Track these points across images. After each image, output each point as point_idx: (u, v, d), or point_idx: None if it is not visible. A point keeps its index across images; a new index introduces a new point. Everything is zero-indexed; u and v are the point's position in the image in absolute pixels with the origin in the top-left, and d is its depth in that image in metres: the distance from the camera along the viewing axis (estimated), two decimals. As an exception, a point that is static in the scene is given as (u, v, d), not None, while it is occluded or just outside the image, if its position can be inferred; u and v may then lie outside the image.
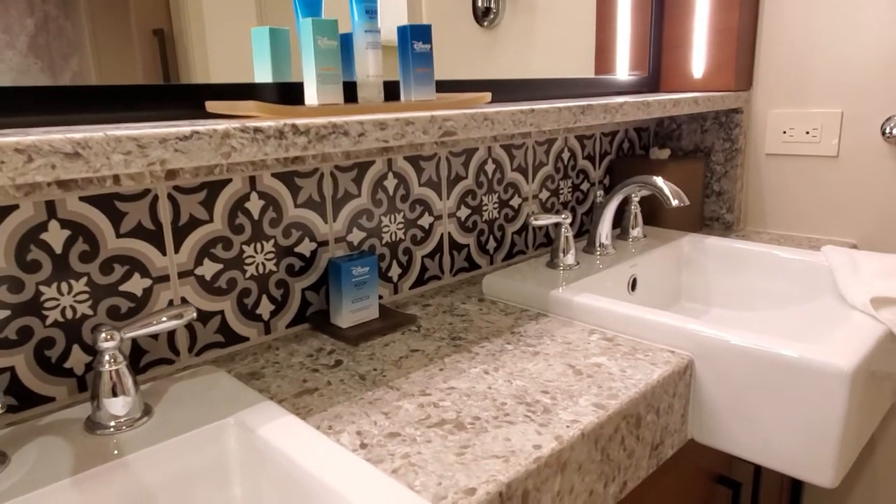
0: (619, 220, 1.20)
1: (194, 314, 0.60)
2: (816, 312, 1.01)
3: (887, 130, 1.12)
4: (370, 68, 0.75)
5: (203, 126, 0.54)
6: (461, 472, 0.54)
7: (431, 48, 0.80)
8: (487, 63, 1.07)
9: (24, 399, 0.65)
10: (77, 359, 0.68)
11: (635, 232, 1.16)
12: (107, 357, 0.56)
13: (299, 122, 0.60)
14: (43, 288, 0.64)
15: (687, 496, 0.90)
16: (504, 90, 1.08)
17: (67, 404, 0.67)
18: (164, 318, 0.59)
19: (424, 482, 0.53)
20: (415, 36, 0.79)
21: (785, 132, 1.27)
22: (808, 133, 1.24)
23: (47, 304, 0.65)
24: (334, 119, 0.63)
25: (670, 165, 1.27)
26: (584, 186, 1.30)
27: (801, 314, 1.03)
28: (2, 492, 0.49)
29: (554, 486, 0.58)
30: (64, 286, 0.66)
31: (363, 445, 0.58)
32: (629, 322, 0.81)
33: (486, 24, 1.07)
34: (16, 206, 0.61)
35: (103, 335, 0.55)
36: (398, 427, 0.62)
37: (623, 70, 1.33)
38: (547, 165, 1.20)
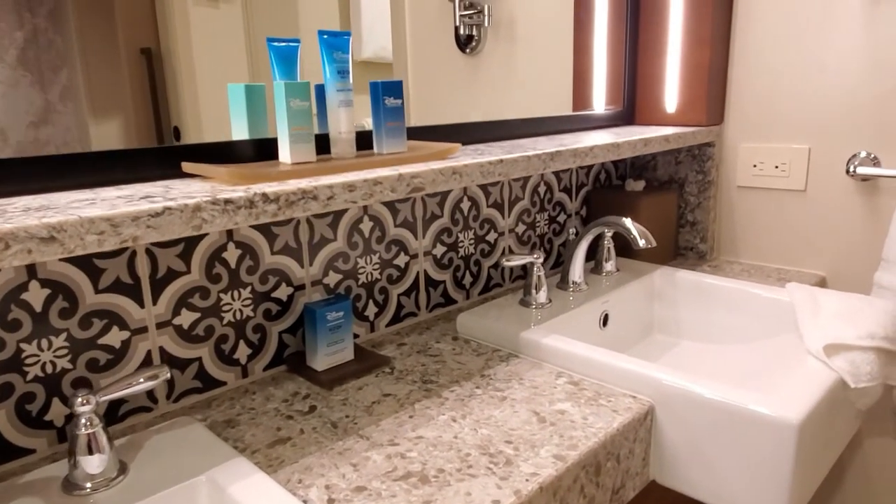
0: (594, 253, 1.23)
1: (168, 374, 0.63)
2: (779, 348, 1.04)
3: (851, 169, 1.16)
4: (342, 125, 0.78)
5: (174, 202, 0.57)
6: (421, 530, 0.57)
7: (402, 102, 0.83)
8: (471, 87, 1.10)
9: (5, 452, 0.67)
10: (57, 411, 0.70)
11: (608, 266, 1.20)
12: (83, 420, 0.58)
13: (269, 190, 0.63)
14: (23, 345, 0.67)
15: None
16: (481, 131, 1.11)
17: (48, 455, 0.69)
18: (140, 380, 0.61)
19: (386, 541, 0.56)
20: (386, 92, 0.81)
21: (755, 166, 1.30)
22: (777, 167, 1.28)
23: (28, 361, 0.67)
24: (303, 185, 0.65)
25: (645, 197, 1.30)
26: (561, 218, 1.33)
27: (765, 349, 1.07)
28: (-21, 559, 0.51)
29: (512, 539, 0.61)
30: (44, 342, 0.68)
31: (331, 501, 0.61)
32: (595, 366, 0.84)
33: (468, 50, 1.10)
34: (-4, 270, 0.64)
35: (79, 400, 0.58)
36: (365, 480, 0.64)
37: (600, 102, 1.37)
38: (523, 200, 1.23)
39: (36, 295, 0.67)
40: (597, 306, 1.08)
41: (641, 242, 1.00)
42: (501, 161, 0.87)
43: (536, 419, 0.76)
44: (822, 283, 1.26)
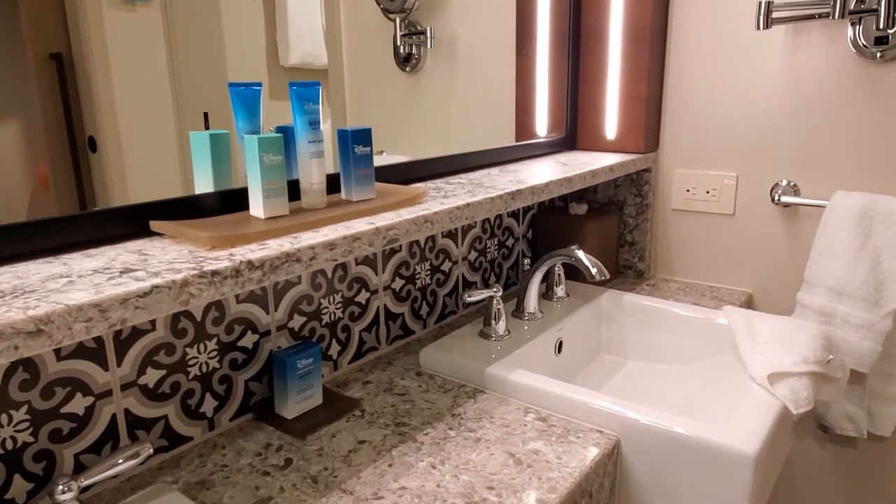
0: (545, 278, 1.27)
1: (151, 451, 0.61)
2: (718, 368, 1.12)
3: (776, 197, 1.26)
4: (314, 177, 0.77)
5: (161, 279, 0.55)
6: (422, 593, 0.58)
7: (371, 150, 0.83)
8: (410, 106, 1.10)
9: (-37, 538, 0.63)
10: (19, 487, 0.66)
11: (559, 291, 1.24)
12: (64, 509, 0.56)
13: (253, 256, 0.62)
14: (-19, 423, 0.62)
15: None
16: (434, 166, 1.12)
17: (9, 536, 0.65)
18: (121, 460, 0.59)
19: None
20: (355, 140, 0.81)
21: (688, 190, 1.39)
22: (708, 192, 1.36)
23: (-14, 439, 0.63)
24: (286, 248, 0.65)
25: (589, 220, 1.35)
26: (510, 242, 1.36)
27: (706, 369, 1.14)
28: None
29: (504, 589, 0.64)
30: (4, 418, 0.64)
31: (325, 567, 0.61)
32: (561, 402, 0.87)
33: (408, 69, 1.11)
34: (-48, 348, 0.59)
35: (60, 488, 0.55)
36: (356, 541, 0.65)
37: (542, 126, 1.41)
38: (475, 228, 1.25)
39: (-5, 369, 0.62)
40: (552, 334, 1.12)
41: (595, 273, 1.04)
42: (469, 205, 0.88)
43: (513, 461, 0.78)
44: (750, 300, 1.36)
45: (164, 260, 0.61)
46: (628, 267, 1.48)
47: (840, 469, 1.32)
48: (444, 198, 0.91)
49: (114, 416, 0.73)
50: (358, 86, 1.01)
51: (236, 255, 0.62)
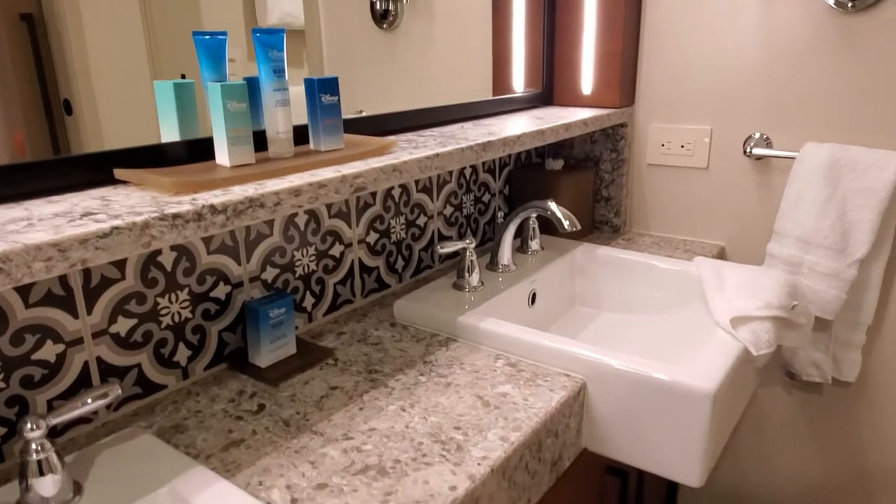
0: (520, 232, 1.29)
1: (119, 391, 0.62)
2: (689, 318, 1.15)
3: (747, 150, 1.27)
4: (280, 126, 0.77)
5: (121, 220, 0.55)
6: (387, 522, 0.60)
7: (339, 99, 0.83)
8: (388, 64, 1.10)
9: (-61, 480, 0.64)
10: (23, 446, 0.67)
11: (534, 245, 1.25)
12: (34, 446, 0.57)
13: (216, 201, 0.62)
14: (-49, 368, 0.63)
15: (583, 487, 1.02)
16: (408, 119, 1.12)
17: (-14, 478, 0.67)
18: (89, 400, 0.60)
19: (354, 536, 0.59)
20: (322, 89, 0.81)
21: (663, 145, 1.39)
22: (682, 147, 1.37)
23: (-43, 384, 0.64)
24: (250, 193, 0.65)
25: (565, 175, 1.36)
26: (486, 198, 1.37)
27: (676, 318, 1.17)
28: None
29: (468, 520, 0.66)
30: (-26, 363, 0.65)
31: (294, 501, 0.63)
32: (530, 348, 0.89)
33: (385, 26, 1.10)
34: (-83, 293, 0.60)
35: (29, 426, 0.56)
36: (325, 477, 0.67)
37: (519, 82, 1.41)
38: (451, 183, 1.26)
39: (-38, 315, 0.63)
40: (525, 286, 1.13)
41: (567, 224, 1.05)
42: (438, 155, 0.89)
43: (481, 403, 0.80)
44: (722, 252, 1.38)
45: (126, 205, 0.61)
46: (604, 222, 1.49)
47: (807, 414, 1.36)
48: (415, 149, 0.91)
49: (86, 364, 0.74)
50: (336, 45, 1.00)
51: (199, 199, 0.63)
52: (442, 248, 1.05)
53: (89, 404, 0.60)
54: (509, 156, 1.41)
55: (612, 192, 1.46)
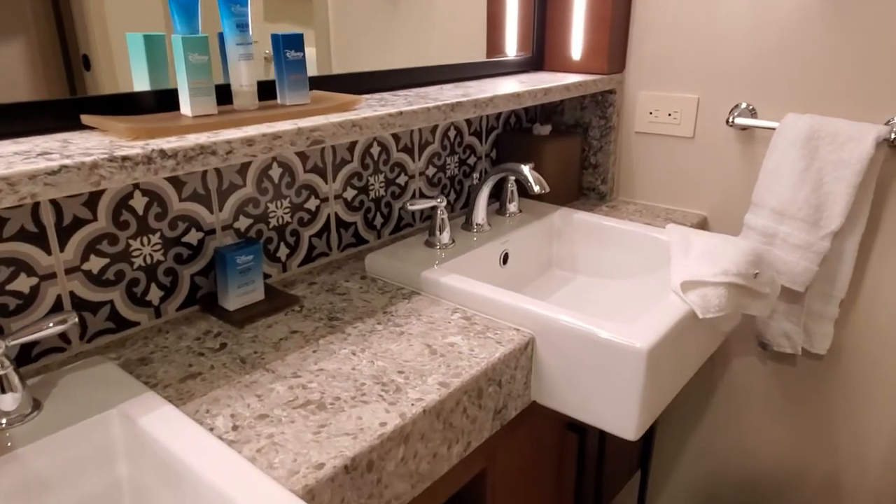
0: (499, 194, 1.31)
1: (76, 319, 0.67)
2: (655, 283, 1.17)
3: (730, 119, 1.26)
4: (243, 79, 0.81)
5: (71, 160, 0.60)
6: (315, 450, 0.65)
7: (304, 55, 0.86)
8: (391, 28, 1.14)
9: (-80, 393, 0.71)
10: (-30, 354, 0.74)
11: (511, 207, 1.28)
12: (-6, 363, 0.63)
13: (166, 146, 0.66)
14: (-70, 293, 0.69)
15: (541, 441, 1.06)
16: (394, 78, 1.14)
17: (-37, 395, 0.73)
18: (50, 325, 0.66)
19: (283, 459, 0.64)
20: (287, 45, 0.84)
21: (651, 113, 1.40)
22: (669, 115, 1.37)
23: (-64, 308, 0.70)
24: (202, 140, 0.69)
25: (551, 140, 1.37)
26: (472, 161, 1.39)
27: (645, 283, 1.19)
28: None
29: (397, 454, 0.71)
30: (-49, 290, 0.71)
31: (235, 427, 0.68)
32: (485, 303, 0.93)
33: None
34: None
35: (-10, 345, 0.62)
36: (268, 409, 0.72)
37: (511, 46, 1.41)
38: (433, 144, 1.28)
39: (-61, 245, 0.69)
40: (497, 246, 1.16)
41: (536, 188, 1.08)
42: (401, 113, 0.92)
43: (428, 351, 0.84)
44: (704, 223, 1.39)
45: (83, 147, 0.66)
46: (591, 189, 1.51)
47: (780, 386, 1.38)
48: (381, 106, 0.94)
49: (59, 297, 0.80)
50: (340, 6, 1.03)
51: (151, 144, 0.67)
52: (412, 205, 1.09)
53: (47, 329, 0.65)
54: (497, 119, 1.43)
55: (599, 160, 1.47)
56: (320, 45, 1.06)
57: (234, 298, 0.92)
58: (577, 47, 1.40)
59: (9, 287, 0.75)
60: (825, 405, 1.33)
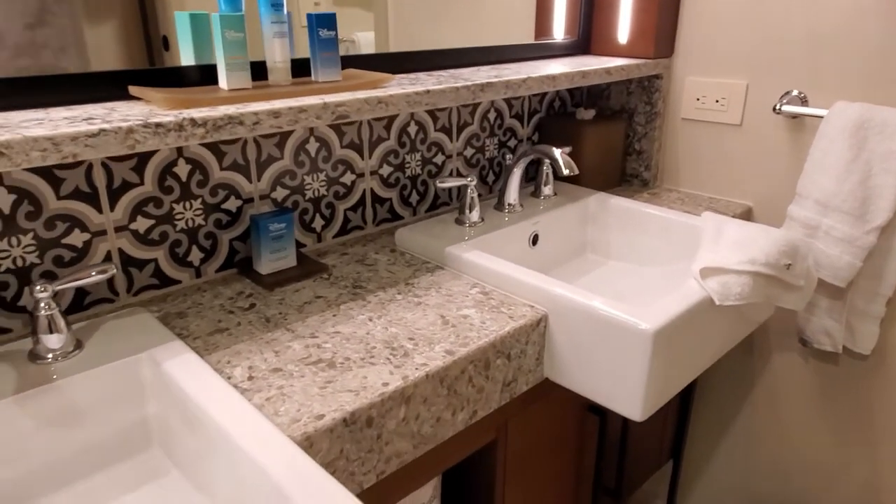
0: (534, 177, 1.32)
1: (114, 271, 0.75)
2: (685, 270, 1.15)
3: (777, 107, 1.22)
4: (277, 55, 0.86)
5: (110, 125, 0.66)
6: (318, 402, 0.70)
7: (336, 34, 0.90)
8: (445, 8, 1.19)
9: (-14, 330, 0.80)
10: (29, 299, 0.83)
11: (546, 190, 1.29)
12: (42, 304, 0.71)
13: (197, 115, 0.72)
14: (-4, 242, 0.78)
15: (559, 421, 1.08)
16: (438, 59, 1.18)
17: (24, 335, 0.82)
18: (92, 274, 0.73)
19: (287, 409, 0.69)
20: (320, 24, 0.89)
21: (698, 99, 1.37)
22: (717, 101, 1.34)
23: (0, 255, 0.79)
24: (230, 111, 0.75)
25: (594, 125, 1.37)
26: (512, 143, 1.41)
27: (678, 272, 1.18)
28: (-41, 406, 0.65)
29: (398, 414, 0.75)
30: (14, 240, 0.80)
31: (250, 378, 0.74)
32: (502, 279, 0.95)
33: None
34: (-33, 177, 0.75)
35: (38, 288, 0.70)
36: (282, 364, 0.77)
37: (559, 29, 1.42)
38: (472, 125, 1.30)
39: (3, 199, 0.78)
40: (526, 226, 1.18)
41: (565, 171, 1.08)
42: (428, 91, 0.95)
43: (441, 321, 0.88)
44: (749, 213, 1.35)
45: (124, 114, 0.73)
46: (634, 175, 1.49)
47: (822, 384, 1.33)
48: (411, 85, 0.98)
49: (108, 253, 0.88)
50: None
51: (184, 113, 0.73)
52: (441, 182, 1.12)
53: (89, 277, 0.73)
54: (540, 103, 1.43)
55: (643, 146, 1.46)
56: (379, 28, 1.11)
57: (267, 263, 0.98)
58: (623, 31, 1.38)
59: (64, 241, 0.84)
60: (867, 406, 1.28)
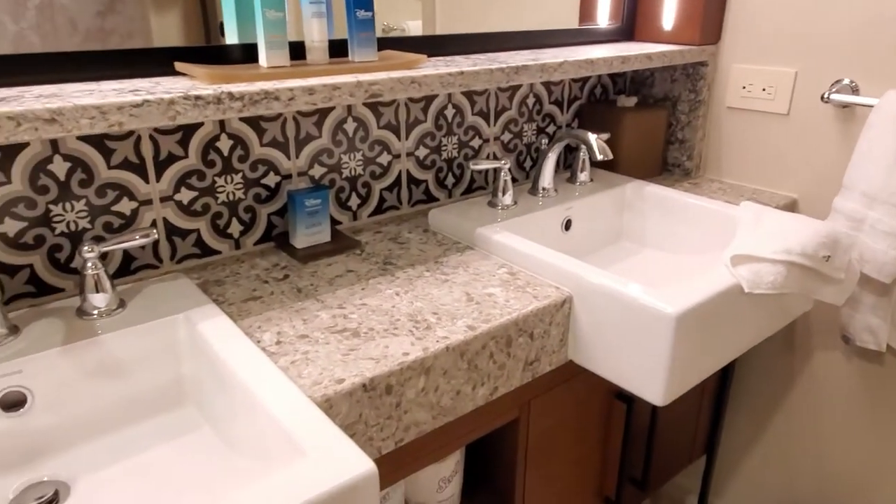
0: (570, 163, 1.32)
1: (156, 236, 0.79)
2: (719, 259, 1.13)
3: (825, 96, 1.18)
4: (315, 35, 0.89)
5: (153, 96, 0.70)
6: (340, 368, 0.73)
7: (373, 14, 0.93)
8: None
9: (42, 289, 0.86)
10: (79, 259, 0.88)
11: (582, 176, 1.29)
12: (89, 264, 0.76)
13: (235, 89, 0.76)
14: (51, 206, 0.84)
15: (584, 405, 1.08)
16: (478, 42, 1.19)
17: (74, 294, 0.88)
18: (136, 237, 0.78)
19: (310, 372, 0.72)
20: (357, 5, 0.91)
21: (745, 87, 1.33)
22: (764, 90, 1.30)
23: (55, 219, 0.85)
24: (267, 87, 0.78)
25: (635, 113, 1.36)
26: (551, 129, 1.41)
27: (713, 260, 1.16)
28: (11, 353, 0.70)
29: (418, 384, 0.77)
30: (68, 205, 0.85)
31: (278, 342, 0.78)
32: (529, 260, 0.96)
33: None
34: (27, 144, 0.80)
35: (86, 248, 0.75)
36: (309, 331, 0.80)
37: (603, 16, 1.40)
38: (510, 110, 1.31)
39: (59, 167, 0.83)
40: (560, 211, 1.18)
41: (599, 156, 1.08)
42: (462, 73, 0.96)
43: (466, 298, 0.89)
44: (793, 206, 1.31)
45: (168, 87, 0.77)
46: (676, 165, 1.47)
47: (865, 385, 1.29)
48: (445, 66, 0.99)
49: (154, 221, 0.93)
50: None
51: (223, 88, 0.77)
52: (475, 164, 1.13)
53: (133, 241, 0.78)
54: (581, 89, 1.42)
55: (686, 135, 1.43)
56: (426, 16, 1.13)
57: (302, 237, 1.02)
58: (669, 17, 1.36)
59: (114, 208, 0.89)
60: (912, 410, 1.23)
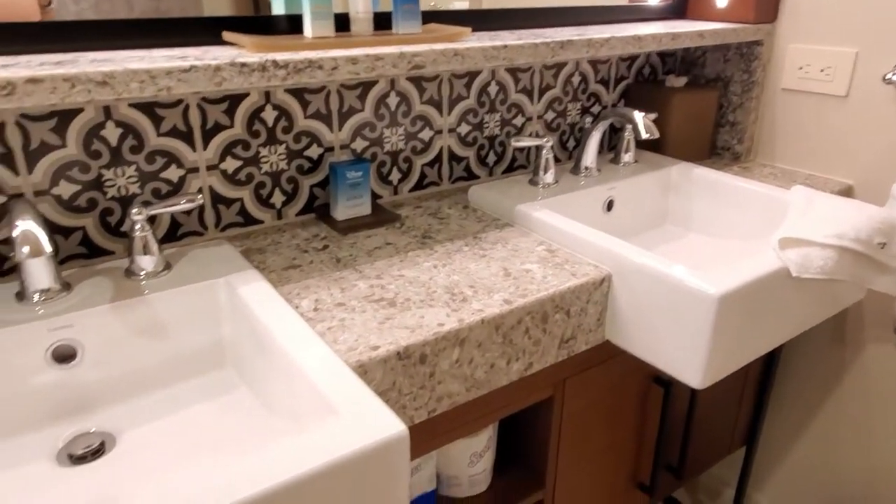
0: (614, 144, 1.30)
1: (202, 200, 0.81)
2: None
3: (888, 76, 1.13)
4: (360, 6, 0.89)
5: (200, 62, 0.72)
6: (375, 335, 0.74)
7: (418, -13, 0.92)
8: None
9: (94, 251, 0.89)
10: (128, 222, 0.91)
11: (626, 157, 1.26)
12: (137, 226, 0.78)
13: (279, 57, 0.77)
14: (103, 171, 0.87)
15: (620, 387, 1.07)
16: (525, 17, 1.17)
17: (123, 256, 0.91)
18: (182, 202, 0.80)
19: (346, 338, 0.73)
20: (402, -24, 0.91)
21: (801, 68, 1.28)
22: (822, 71, 1.25)
23: (107, 183, 0.88)
24: (311, 56, 0.79)
25: (684, 94, 1.32)
26: (595, 109, 1.38)
27: (760, 246, 1.12)
28: (64, 308, 0.73)
29: (452, 355, 0.77)
30: (119, 171, 0.88)
31: (316, 309, 0.79)
32: (568, 238, 0.95)
33: None
34: (81, 109, 0.83)
35: (135, 211, 0.77)
36: (346, 299, 0.81)
37: (655, -7, 1.37)
38: (554, 88, 1.29)
39: (112, 132, 0.86)
40: (601, 191, 1.16)
41: (645, 135, 1.06)
42: (506, 46, 0.95)
43: (503, 273, 0.89)
44: (849, 192, 1.26)
45: (216, 55, 0.78)
46: (726, 149, 1.43)
47: (917, 381, 1.24)
48: (490, 40, 0.98)
49: (200, 189, 0.95)
50: None
51: (268, 56, 0.78)
52: (516, 141, 1.12)
53: (178, 205, 0.80)
54: (629, 69, 1.39)
55: (738, 117, 1.39)
56: None
57: (343, 209, 1.03)
58: (723, -6, 1.31)
59: (162, 175, 0.91)
60: (969, 408, 1.18)
